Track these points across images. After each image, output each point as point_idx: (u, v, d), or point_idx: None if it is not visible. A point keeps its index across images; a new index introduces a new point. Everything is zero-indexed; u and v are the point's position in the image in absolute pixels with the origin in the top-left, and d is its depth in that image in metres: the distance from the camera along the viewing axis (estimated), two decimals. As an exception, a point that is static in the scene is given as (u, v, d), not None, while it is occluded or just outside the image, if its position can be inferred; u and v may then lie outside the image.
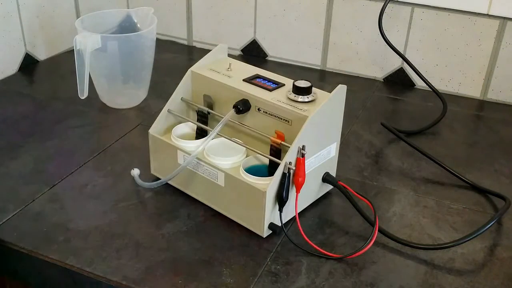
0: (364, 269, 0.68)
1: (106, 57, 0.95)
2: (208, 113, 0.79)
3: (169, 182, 0.77)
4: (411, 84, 1.16)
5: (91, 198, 0.78)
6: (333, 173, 0.79)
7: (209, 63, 0.82)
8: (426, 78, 1.08)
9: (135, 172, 0.79)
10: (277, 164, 0.69)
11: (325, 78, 1.18)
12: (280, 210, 0.70)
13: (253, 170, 0.72)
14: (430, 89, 1.08)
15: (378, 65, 1.17)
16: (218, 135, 0.76)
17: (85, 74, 0.92)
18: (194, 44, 1.32)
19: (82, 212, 0.76)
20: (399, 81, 1.17)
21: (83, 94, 0.94)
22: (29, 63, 1.17)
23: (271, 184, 0.68)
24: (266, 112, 0.74)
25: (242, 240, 0.71)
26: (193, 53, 1.29)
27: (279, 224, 0.70)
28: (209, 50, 0.83)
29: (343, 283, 0.66)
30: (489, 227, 0.74)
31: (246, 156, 0.75)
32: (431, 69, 1.12)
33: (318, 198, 0.79)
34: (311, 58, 1.22)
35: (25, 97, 1.05)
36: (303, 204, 0.76)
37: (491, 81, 1.09)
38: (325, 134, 0.74)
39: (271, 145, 0.73)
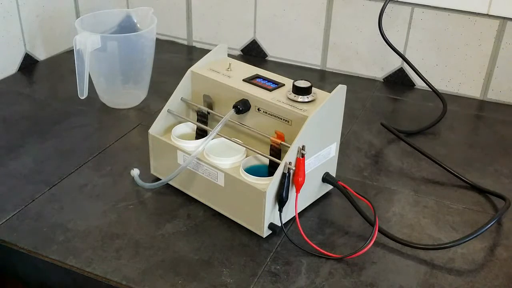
0: (364, 269, 0.68)
1: (106, 57, 0.95)
2: (208, 113, 0.79)
3: (169, 182, 0.77)
4: (411, 84, 1.16)
5: (91, 198, 0.78)
6: (333, 173, 0.79)
7: (209, 63, 0.82)
8: (426, 78, 1.08)
9: (135, 172, 0.79)
10: (277, 164, 0.69)
11: (325, 78, 1.18)
12: (280, 210, 0.70)
13: (253, 170, 0.72)
14: (430, 89, 1.08)
15: (378, 65, 1.17)
16: (218, 135, 0.76)
17: (85, 74, 0.92)
18: (194, 44, 1.32)
19: (82, 212, 0.75)
20: (399, 81, 1.17)
21: (83, 94, 0.94)
22: (29, 63, 1.17)
23: (271, 184, 0.68)
24: (266, 112, 0.74)
25: (242, 240, 0.71)
26: (193, 53, 1.29)
27: (279, 224, 0.70)
28: (209, 50, 0.83)
29: (343, 283, 0.65)
30: (489, 227, 0.73)
31: (246, 156, 0.75)
32: (431, 69, 1.12)
33: (318, 198, 0.79)
34: (311, 58, 1.22)
35: (25, 97, 1.05)
36: (303, 204, 0.76)
37: (491, 81, 1.09)
38: (325, 134, 0.74)
39: (271, 145, 0.73)
